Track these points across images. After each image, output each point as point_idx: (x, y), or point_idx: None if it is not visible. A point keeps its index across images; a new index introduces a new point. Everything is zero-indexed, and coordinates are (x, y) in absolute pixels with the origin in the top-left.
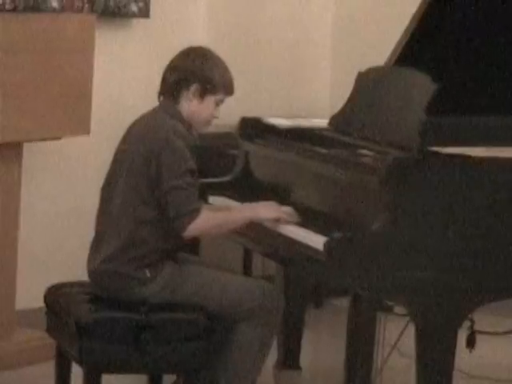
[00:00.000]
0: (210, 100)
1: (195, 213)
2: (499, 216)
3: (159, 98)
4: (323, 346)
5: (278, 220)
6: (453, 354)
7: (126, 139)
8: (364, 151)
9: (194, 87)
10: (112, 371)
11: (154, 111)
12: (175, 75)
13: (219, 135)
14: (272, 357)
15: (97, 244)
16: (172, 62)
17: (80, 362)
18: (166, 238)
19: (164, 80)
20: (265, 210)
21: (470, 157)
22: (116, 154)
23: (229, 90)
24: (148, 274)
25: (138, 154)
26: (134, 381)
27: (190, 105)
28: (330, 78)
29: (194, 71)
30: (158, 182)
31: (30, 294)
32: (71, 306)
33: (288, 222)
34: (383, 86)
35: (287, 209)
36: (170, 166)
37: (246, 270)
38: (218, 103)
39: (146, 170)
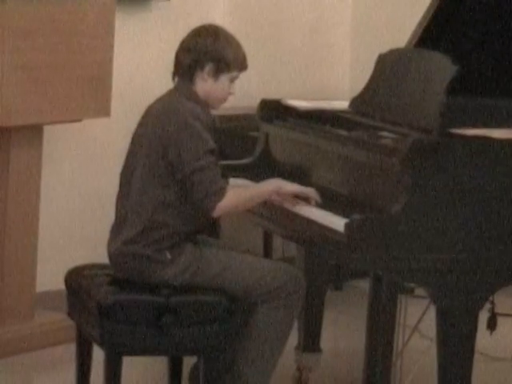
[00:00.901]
0: (225, 78)
1: (222, 191)
2: None
3: (173, 78)
4: (344, 328)
5: (300, 195)
6: (474, 335)
7: (143, 122)
8: (384, 133)
9: (208, 67)
10: (133, 353)
11: (170, 93)
12: (188, 56)
13: (239, 117)
14: (293, 339)
15: (117, 227)
16: (184, 42)
17: (101, 344)
18: (187, 220)
19: (177, 61)
20: (289, 184)
21: (490, 139)
22: (134, 138)
23: (243, 66)
24: (169, 256)
25: (155, 138)
26: (154, 363)
27: (205, 84)
28: (350, 59)
29: (207, 51)
30: (180, 165)
31: (50, 277)
32: (92, 288)
33: (310, 201)
34: (404, 68)
35: (309, 190)
36: (191, 149)
37: (267, 252)
38: (232, 80)
39: (165, 154)
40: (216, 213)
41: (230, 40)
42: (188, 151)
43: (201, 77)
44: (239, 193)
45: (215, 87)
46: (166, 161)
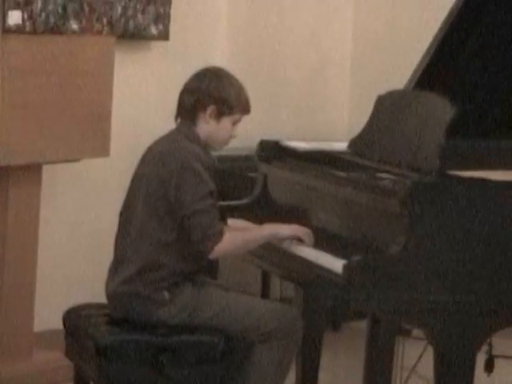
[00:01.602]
0: (227, 120)
1: (220, 234)
2: None
3: (176, 120)
4: (341, 369)
5: (295, 238)
6: (471, 377)
7: (143, 162)
8: (383, 174)
9: (210, 109)
10: None
11: (172, 134)
12: (191, 98)
13: (238, 158)
14: (290, 380)
15: (116, 266)
16: (187, 84)
17: None
18: (185, 260)
19: (180, 102)
20: (284, 228)
21: (489, 181)
22: (134, 177)
23: (245, 108)
24: (166, 297)
25: (155, 177)
26: None
27: (208, 127)
28: (349, 101)
29: (210, 93)
30: (179, 206)
31: (48, 316)
32: (90, 328)
33: (305, 242)
34: (402, 110)
35: (306, 230)
36: (191, 190)
37: (264, 292)
38: (235, 123)
39: (165, 194)
40: (213, 255)
41: (234, 82)
42: (188, 193)
43: (203, 119)
44: (236, 237)
45: (217, 129)
46: (166, 201)
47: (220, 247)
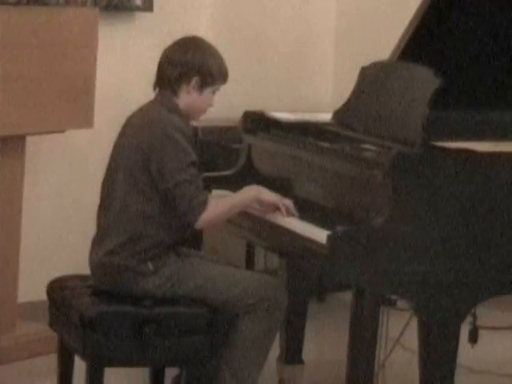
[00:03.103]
0: (209, 91)
1: (205, 204)
2: (503, 211)
3: (154, 89)
4: (326, 340)
5: (276, 208)
6: (455, 348)
7: (123, 133)
8: (367, 146)
9: (194, 80)
10: (114, 365)
11: (151, 104)
12: (175, 70)
13: (222, 129)
14: (275, 351)
15: (99, 238)
16: (168, 54)
17: (83, 356)
18: (169, 231)
19: (161, 72)
20: (267, 193)
21: (473, 152)
22: (114, 148)
23: (225, 78)
24: (151, 267)
25: (136, 149)
26: (136, 374)
27: (189, 97)
28: (333, 72)
29: (195, 65)
30: (161, 177)
31: (32, 288)
32: (74, 299)
33: (286, 214)
34: (386, 81)
35: (288, 202)
36: (173, 161)
37: (249, 264)
38: (214, 92)
39: (147, 165)
40: (199, 225)
41: (214, 53)
42: (170, 164)
43: (186, 90)
44: (220, 203)
45: (199, 100)
46: (148, 173)
47: (205, 216)
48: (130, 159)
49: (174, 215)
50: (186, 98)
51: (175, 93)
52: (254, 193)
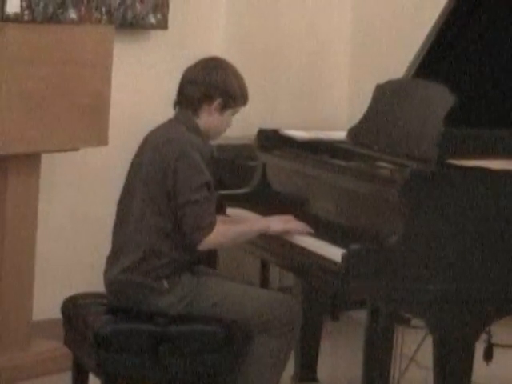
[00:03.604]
0: (229, 113)
1: (211, 226)
2: None
3: (175, 108)
4: (340, 358)
5: (288, 232)
6: (470, 366)
7: (141, 151)
8: (382, 163)
9: (216, 102)
10: (129, 383)
11: (171, 122)
12: (198, 90)
13: (237, 147)
14: (289, 369)
15: (114, 255)
16: (191, 74)
17: (97, 374)
18: (184, 249)
19: (183, 92)
20: (275, 223)
21: (488, 169)
22: (132, 166)
23: (246, 100)
24: (166, 285)
25: (154, 166)
26: None
27: (210, 118)
28: (348, 90)
29: (219, 87)
30: (174, 194)
31: (47, 305)
32: (88, 317)
33: (299, 233)
34: (401, 98)
35: (299, 223)
36: (187, 180)
37: (263, 282)
38: (234, 113)
39: (163, 182)
40: (202, 247)
41: (236, 75)
42: (183, 182)
43: (207, 111)
44: (227, 230)
45: (219, 121)
46: (164, 189)
47: (209, 239)
48: (148, 176)
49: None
50: (207, 118)
51: (196, 113)
52: (263, 226)
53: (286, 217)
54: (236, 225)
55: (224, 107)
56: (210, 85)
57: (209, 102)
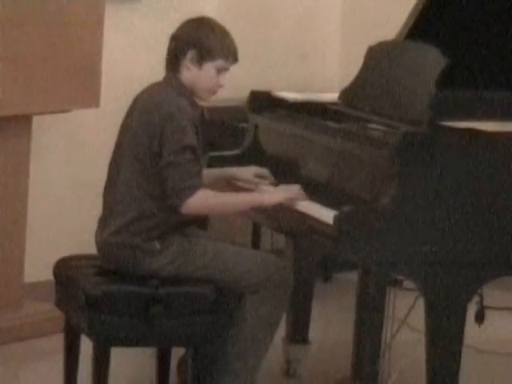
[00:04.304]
0: (210, 67)
1: (192, 189)
2: (510, 191)
3: (166, 70)
4: (332, 320)
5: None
6: (462, 328)
7: (130, 113)
8: (374, 125)
9: (190, 54)
10: (121, 344)
11: (158, 84)
12: (173, 44)
13: (228, 109)
14: (281, 330)
15: (105, 217)
16: (172, 33)
17: (89, 335)
18: (174, 211)
19: (167, 53)
20: (270, 197)
21: (480, 131)
22: (121, 129)
23: (229, 55)
24: (157, 246)
25: (141, 129)
26: (142, 354)
27: (189, 73)
28: (339, 51)
29: (190, 38)
30: (159, 156)
31: (38, 267)
32: (80, 278)
33: (295, 203)
34: (393, 60)
35: (295, 187)
36: (171, 142)
37: (255, 244)
38: (219, 71)
39: (150, 144)
40: (184, 209)
41: (216, 29)
42: (168, 143)
43: (185, 65)
44: (214, 196)
45: (200, 75)
46: (151, 152)
47: (191, 202)
48: (136, 139)
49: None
50: (187, 73)
51: (177, 70)
52: (254, 201)
53: (279, 188)
54: (226, 193)
55: (200, 60)
56: (182, 37)
57: (183, 56)
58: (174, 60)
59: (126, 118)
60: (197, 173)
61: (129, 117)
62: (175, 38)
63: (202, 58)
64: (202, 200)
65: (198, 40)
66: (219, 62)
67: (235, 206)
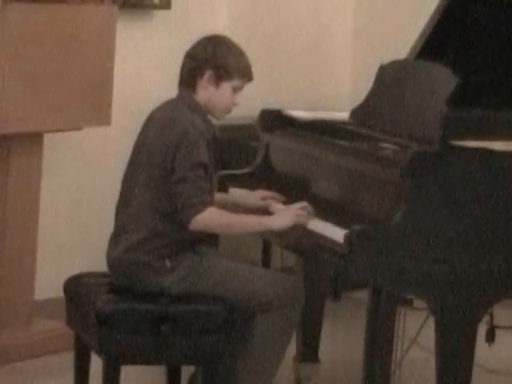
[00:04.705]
0: (227, 86)
1: (202, 205)
2: None
3: (179, 87)
4: (342, 338)
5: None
6: (472, 348)
7: (144, 131)
8: (385, 144)
9: (207, 74)
10: (131, 362)
11: (173, 102)
12: (189, 64)
13: (240, 127)
14: (291, 349)
15: (117, 235)
16: (188, 51)
17: (99, 353)
18: (185, 229)
19: (181, 70)
20: (279, 222)
21: (491, 151)
22: (135, 146)
23: (245, 75)
24: (168, 264)
25: (156, 146)
26: (152, 372)
27: (206, 93)
28: (350, 70)
29: (207, 58)
30: (172, 174)
31: (49, 285)
32: (91, 296)
33: (305, 222)
34: (405, 79)
35: (302, 204)
36: (184, 158)
37: (265, 262)
38: (235, 90)
39: (164, 162)
40: (192, 226)
41: (233, 48)
42: (181, 159)
43: (202, 85)
44: (222, 215)
45: (216, 95)
46: (165, 169)
47: (200, 219)
48: (151, 156)
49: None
50: (203, 93)
51: (193, 89)
52: (263, 224)
53: (287, 208)
54: (236, 214)
55: (218, 79)
56: (198, 57)
57: (201, 75)
58: (190, 78)
59: (140, 136)
60: (207, 190)
61: (143, 134)
62: (192, 57)
63: (220, 77)
64: (210, 217)
65: (216, 60)
66: (236, 82)
67: (243, 228)
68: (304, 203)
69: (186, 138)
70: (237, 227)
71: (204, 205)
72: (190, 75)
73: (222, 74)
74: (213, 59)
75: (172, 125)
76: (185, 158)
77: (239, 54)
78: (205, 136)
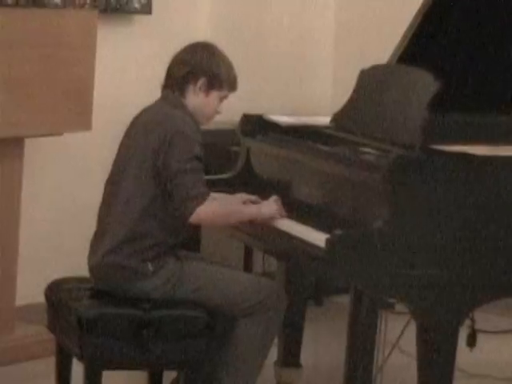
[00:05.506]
0: (215, 95)
1: (203, 196)
2: (501, 215)
3: (163, 91)
4: (324, 343)
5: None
6: (454, 352)
7: (130, 133)
8: (366, 149)
9: (201, 81)
10: (113, 367)
11: (158, 103)
12: (183, 69)
13: (221, 132)
14: (273, 354)
15: (98, 239)
16: (179, 55)
17: (81, 358)
18: (169, 231)
19: (170, 74)
20: (267, 208)
21: (472, 155)
22: (120, 149)
23: (233, 86)
24: (151, 268)
25: (145, 148)
26: (134, 377)
27: (196, 99)
28: (332, 75)
29: (203, 66)
30: (164, 168)
31: (30, 290)
32: (72, 301)
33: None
34: (386, 84)
35: (273, 198)
36: (179, 151)
37: (247, 266)
38: (221, 99)
39: (155, 160)
40: (194, 218)
41: (225, 60)
42: (174, 155)
43: (193, 90)
44: (221, 205)
45: (205, 102)
46: (154, 169)
47: (202, 210)
48: (138, 159)
49: (173, 209)
50: (193, 98)
51: (182, 93)
52: (256, 211)
53: (271, 200)
54: (231, 204)
55: (209, 88)
56: (195, 63)
57: (194, 81)
58: (182, 83)
59: (126, 139)
60: (205, 182)
61: (129, 137)
62: (186, 62)
63: (212, 86)
64: (211, 209)
65: (211, 69)
66: (224, 92)
67: (240, 216)
68: (275, 197)
69: (181, 133)
70: (235, 217)
71: (204, 197)
72: (183, 79)
73: (214, 83)
74: (208, 68)
75: (164, 122)
76: (181, 152)
77: (229, 65)
78: (195, 131)
